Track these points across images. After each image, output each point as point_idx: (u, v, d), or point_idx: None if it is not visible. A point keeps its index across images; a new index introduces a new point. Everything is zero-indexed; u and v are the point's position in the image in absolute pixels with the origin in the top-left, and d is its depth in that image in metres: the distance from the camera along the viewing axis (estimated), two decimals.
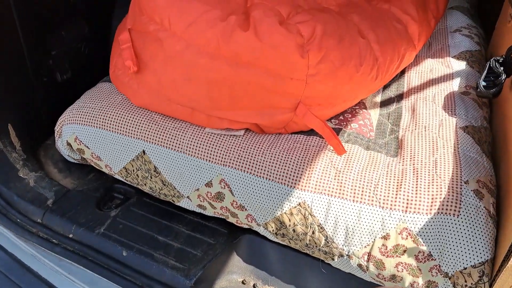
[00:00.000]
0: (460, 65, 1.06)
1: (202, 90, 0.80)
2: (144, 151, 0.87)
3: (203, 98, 0.81)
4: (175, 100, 0.86)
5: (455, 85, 0.99)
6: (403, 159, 0.80)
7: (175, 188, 0.87)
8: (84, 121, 0.92)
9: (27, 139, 1.06)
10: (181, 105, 0.86)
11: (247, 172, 0.80)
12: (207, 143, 0.84)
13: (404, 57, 0.99)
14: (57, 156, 1.08)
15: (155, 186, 0.89)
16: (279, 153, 0.81)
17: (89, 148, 0.93)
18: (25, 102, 1.05)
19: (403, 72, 1.09)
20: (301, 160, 0.80)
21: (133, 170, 0.90)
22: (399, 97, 1.01)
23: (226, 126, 0.84)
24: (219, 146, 0.83)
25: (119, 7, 1.30)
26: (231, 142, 0.84)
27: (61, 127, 0.96)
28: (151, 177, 0.88)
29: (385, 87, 1.05)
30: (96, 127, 0.90)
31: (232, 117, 0.82)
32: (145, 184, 0.91)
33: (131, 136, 0.88)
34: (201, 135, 0.85)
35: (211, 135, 0.85)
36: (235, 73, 0.76)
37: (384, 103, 1.01)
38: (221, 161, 0.82)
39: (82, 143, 0.93)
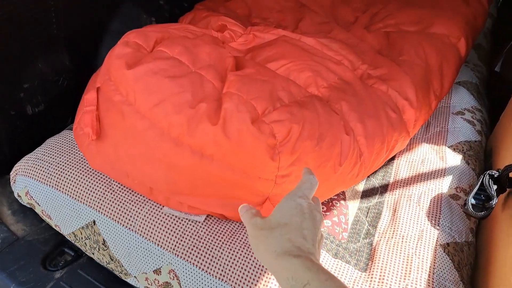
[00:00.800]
0: (455, 159, 0.98)
1: (161, 172, 0.72)
2: (94, 221, 0.80)
3: (161, 180, 0.73)
4: (133, 176, 0.78)
5: (445, 184, 0.92)
6: (372, 277, 0.73)
7: (122, 266, 0.80)
8: (38, 177, 0.85)
9: None
10: (139, 181, 0.78)
11: (200, 268, 0.72)
12: (162, 225, 0.76)
13: (394, 147, 0.92)
14: (14, 195, 1.02)
15: (103, 259, 0.82)
16: (239, 249, 0.74)
17: (40, 205, 0.86)
18: None
19: (392, 157, 1.02)
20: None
21: (82, 238, 0.83)
22: (383, 189, 0.94)
23: (186, 211, 0.77)
24: (174, 231, 0.76)
25: (110, 35, 1.23)
26: (188, 227, 0.76)
27: (15, 175, 0.89)
28: (99, 249, 0.81)
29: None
30: (49, 185, 0.83)
31: (193, 203, 0.75)
32: (93, 254, 0.84)
33: (83, 203, 0.81)
34: (157, 215, 0.78)
35: (167, 217, 0.77)
36: (198, 163, 0.69)
37: (366, 194, 0.93)
38: (173, 249, 0.74)
39: (33, 199, 0.86)
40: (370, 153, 0.83)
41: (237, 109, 0.67)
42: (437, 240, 0.79)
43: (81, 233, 0.82)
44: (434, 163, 0.97)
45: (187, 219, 0.77)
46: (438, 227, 0.81)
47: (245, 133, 0.65)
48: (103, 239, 0.79)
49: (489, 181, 0.77)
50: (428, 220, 0.83)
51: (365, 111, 0.85)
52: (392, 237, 0.80)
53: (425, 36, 1.18)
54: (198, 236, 0.75)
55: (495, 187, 0.77)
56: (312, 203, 0.51)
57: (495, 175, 0.79)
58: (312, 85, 0.85)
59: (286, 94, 0.76)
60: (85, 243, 0.83)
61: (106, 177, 0.83)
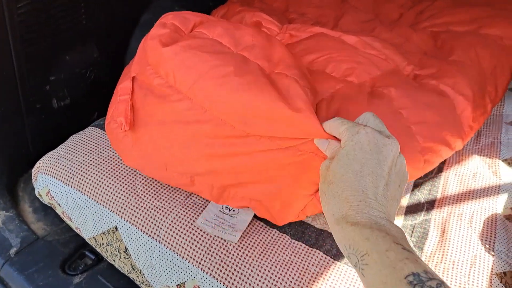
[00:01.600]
0: (510, 175, 0.89)
1: (204, 160, 0.67)
2: (116, 227, 0.75)
3: (203, 167, 0.68)
4: (172, 167, 0.72)
5: (500, 203, 0.82)
6: None
7: (144, 277, 0.74)
8: (60, 176, 0.80)
9: (5, 170, 0.96)
10: (179, 173, 0.72)
11: (226, 285, 0.66)
12: (189, 236, 0.70)
13: (450, 145, 0.83)
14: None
15: (124, 267, 0.77)
16: (270, 268, 0.67)
17: (60, 206, 0.81)
18: (10, 128, 0.94)
19: (440, 169, 0.93)
20: (294, 282, 0.66)
21: (103, 244, 0.78)
22: (430, 205, 0.85)
23: (231, 203, 0.71)
24: (201, 243, 0.69)
25: (140, 28, 1.18)
26: (216, 240, 0.70)
27: (37, 172, 0.85)
28: (120, 257, 0.76)
29: (415, 185, 0.89)
30: (71, 186, 0.79)
31: (240, 192, 0.70)
32: (113, 261, 0.79)
33: (106, 207, 0.75)
34: (184, 224, 0.72)
35: (196, 228, 0.71)
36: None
37: (411, 209, 0.85)
38: (199, 263, 0.68)
39: (54, 199, 0.81)
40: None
41: (300, 86, 0.62)
42: (492, 268, 0.70)
43: (102, 239, 0.77)
44: (486, 178, 0.88)
45: (220, 237, 0.70)
46: (493, 253, 0.73)
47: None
48: (125, 247, 0.74)
49: None
50: (482, 244, 0.74)
51: (417, 100, 0.78)
52: (441, 262, 0.72)
53: (477, 38, 1.08)
54: (227, 251, 0.69)
55: None
56: (377, 133, 0.45)
57: None
58: (352, 75, 0.78)
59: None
60: (106, 249, 0.78)
61: (132, 180, 0.78)
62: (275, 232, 0.73)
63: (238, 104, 0.61)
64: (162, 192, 0.77)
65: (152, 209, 0.74)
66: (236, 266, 0.67)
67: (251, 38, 0.73)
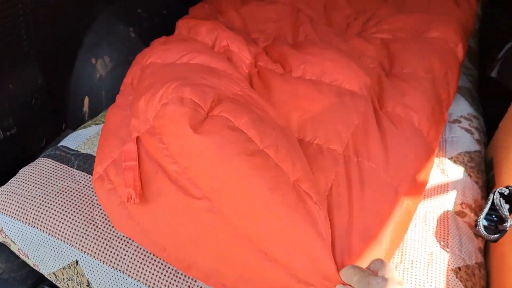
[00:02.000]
0: (457, 173, 0.94)
1: (211, 261, 0.65)
2: (77, 261, 0.72)
3: (209, 268, 0.65)
4: (171, 252, 0.68)
5: (450, 201, 0.87)
6: None
7: None
8: (13, 213, 0.77)
9: None
10: (177, 258, 0.68)
11: None
12: (153, 264, 0.69)
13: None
14: None
15: None
16: None
17: (15, 244, 0.78)
18: None
19: None
20: None
21: (63, 279, 0.75)
22: None
23: None
24: (167, 271, 0.69)
25: (85, 49, 1.15)
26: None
27: None
28: None
29: None
30: (26, 222, 0.76)
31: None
32: None
33: (64, 241, 0.73)
34: (146, 253, 0.71)
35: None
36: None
37: None
38: None
39: (8, 237, 0.78)
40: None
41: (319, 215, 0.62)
42: (448, 265, 0.74)
43: (63, 274, 0.75)
44: (436, 177, 0.93)
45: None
46: (447, 249, 0.77)
47: None
48: (88, 281, 0.72)
49: (500, 200, 0.73)
50: (437, 241, 0.78)
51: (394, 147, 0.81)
52: (401, 262, 0.75)
53: (425, 44, 1.13)
54: (193, 279, 0.68)
55: (507, 206, 0.73)
56: (389, 282, 0.48)
57: (506, 193, 0.75)
58: (336, 143, 0.79)
59: None
60: (67, 284, 0.75)
61: (89, 211, 0.75)
62: None
63: (266, 225, 0.60)
64: None
65: (113, 239, 0.72)
66: None
67: (274, 132, 0.70)
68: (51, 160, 0.85)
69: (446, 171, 0.94)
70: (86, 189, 0.78)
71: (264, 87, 0.91)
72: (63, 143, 0.90)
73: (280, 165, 0.66)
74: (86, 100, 1.16)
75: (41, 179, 0.81)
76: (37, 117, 1.03)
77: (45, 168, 0.83)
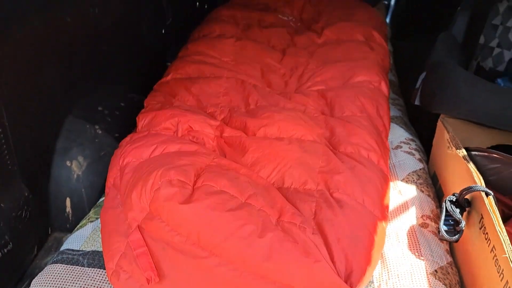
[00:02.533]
0: (411, 191, 1.11)
1: None
2: None
3: None
4: None
5: (412, 216, 1.03)
6: None
7: None
8: None
9: None
10: None
11: None
12: None
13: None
14: None
15: None
16: None
17: None
18: None
19: None
20: None
21: None
22: None
23: None
24: None
25: (58, 154, 1.23)
26: None
27: None
28: None
29: None
30: None
31: None
32: None
33: None
34: None
35: None
36: None
37: None
38: None
39: None
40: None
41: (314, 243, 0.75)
42: (426, 270, 0.88)
43: None
44: (394, 198, 1.09)
45: None
46: (422, 258, 0.91)
47: None
48: None
49: (451, 206, 0.89)
50: (412, 253, 0.93)
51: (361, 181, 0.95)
52: (389, 279, 0.88)
53: (354, 88, 1.33)
54: None
55: (458, 210, 0.89)
56: None
57: (454, 200, 0.91)
58: (308, 182, 0.93)
59: None
60: None
61: None
62: None
63: (269, 267, 0.72)
64: None
65: None
66: None
67: (250, 185, 0.85)
68: (60, 264, 0.90)
69: (402, 192, 1.11)
70: (103, 283, 0.84)
71: (235, 153, 1.04)
72: (65, 246, 0.96)
73: (263, 209, 0.80)
74: (68, 201, 1.22)
75: (57, 285, 0.86)
76: (28, 228, 1.07)
77: (58, 274, 0.88)
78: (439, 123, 1.18)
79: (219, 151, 1.05)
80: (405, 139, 1.32)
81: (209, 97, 1.32)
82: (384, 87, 1.41)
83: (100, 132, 1.33)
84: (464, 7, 1.70)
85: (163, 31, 1.75)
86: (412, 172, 1.17)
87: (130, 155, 0.98)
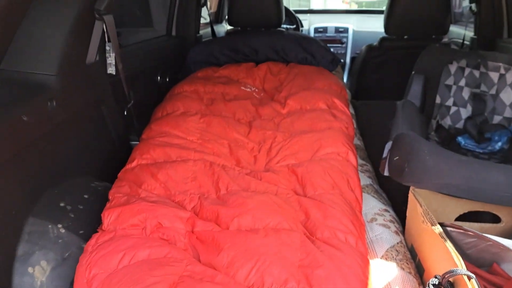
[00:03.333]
0: (392, 269, 1.08)
1: None
2: None
3: None
4: None
5: None
6: None
7: None
8: None
9: None
10: None
11: None
12: None
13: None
14: None
15: None
16: None
17: None
18: None
19: None
20: None
21: None
22: None
23: None
24: None
25: (20, 262, 1.13)
26: None
27: None
28: None
29: None
30: None
31: None
32: None
33: None
34: None
35: None
36: None
37: None
38: None
39: None
40: None
41: None
42: None
43: None
44: (378, 280, 1.06)
45: None
46: None
47: None
48: None
49: None
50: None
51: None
52: None
53: (323, 162, 1.33)
54: None
55: None
56: None
57: (437, 283, 0.89)
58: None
59: None
60: None
61: None
62: None
63: None
64: None
65: None
66: None
67: None
68: None
69: (383, 271, 1.08)
70: None
71: (209, 252, 0.99)
72: None
73: None
74: None
75: None
76: None
77: None
78: (410, 195, 1.18)
79: (192, 250, 0.99)
80: (379, 210, 1.31)
81: (177, 184, 1.28)
82: (352, 158, 1.42)
83: (63, 231, 1.25)
84: (417, 72, 1.78)
85: (125, 113, 1.72)
86: (390, 247, 1.15)
87: (97, 266, 0.92)
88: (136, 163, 1.40)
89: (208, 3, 3.62)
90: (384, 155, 1.33)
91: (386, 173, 1.27)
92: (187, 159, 1.38)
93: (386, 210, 1.31)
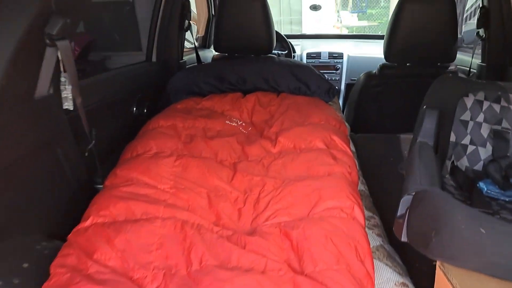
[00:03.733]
0: None
1: None
2: None
3: None
4: None
5: None
6: None
7: None
8: None
9: None
10: None
11: None
12: None
13: None
14: None
15: None
16: None
17: None
18: None
19: None
20: None
21: None
22: None
23: None
24: None
25: None
26: None
27: None
28: None
29: None
30: None
31: None
32: None
33: None
34: None
35: None
36: None
37: None
38: None
39: None
40: None
41: None
42: None
43: None
44: None
45: None
46: None
47: None
48: None
49: None
50: None
51: None
52: None
53: (324, 224, 1.06)
54: None
55: None
56: None
57: None
58: None
59: None
60: None
61: None
62: None
63: None
64: None
65: None
66: None
67: None
68: None
69: None
70: None
71: None
72: None
73: None
74: None
75: None
76: None
77: None
78: (438, 271, 0.92)
79: None
80: (395, 284, 1.03)
81: (138, 253, 1.00)
82: (359, 214, 1.15)
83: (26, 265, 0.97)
84: (429, 106, 1.54)
85: (86, 154, 1.45)
86: None
87: None
88: (91, 221, 1.12)
89: (196, 27, 3.42)
90: (399, 213, 1.06)
91: (404, 239, 1.00)
92: (154, 217, 1.11)
93: (404, 285, 1.04)
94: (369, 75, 2.31)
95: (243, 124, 1.75)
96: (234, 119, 1.75)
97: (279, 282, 0.88)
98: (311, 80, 1.96)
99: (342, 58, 3.50)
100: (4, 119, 1.08)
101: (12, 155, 1.14)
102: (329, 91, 1.97)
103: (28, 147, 1.22)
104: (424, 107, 1.52)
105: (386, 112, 2.33)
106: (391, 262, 1.12)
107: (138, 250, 1.00)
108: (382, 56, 2.26)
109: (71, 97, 1.30)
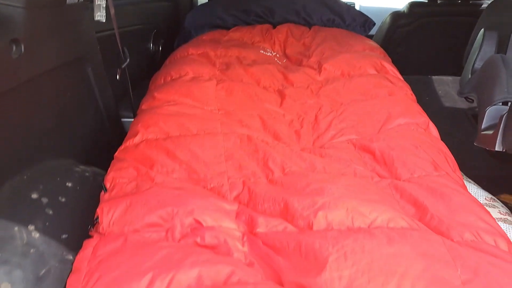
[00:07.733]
0: None
1: None
2: None
3: None
4: None
5: None
6: None
7: None
8: None
9: None
10: None
11: None
12: None
13: None
14: None
15: None
16: None
17: None
18: None
19: None
20: None
21: None
22: None
23: None
24: None
25: None
26: None
27: None
28: None
29: None
30: None
31: None
32: None
33: None
34: None
35: None
36: None
37: None
38: None
39: None
40: None
41: None
42: None
43: None
44: None
45: None
46: None
47: None
48: None
49: None
50: None
51: None
52: None
53: (405, 135, 0.96)
54: None
55: None
56: None
57: None
58: None
59: None
60: None
61: None
62: None
63: None
64: None
65: None
66: None
67: None
68: None
69: None
70: None
71: (296, 267, 0.59)
72: None
73: None
74: None
75: None
76: None
77: None
78: None
79: (260, 266, 0.60)
80: (485, 199, 0.95)
81: (206, 164, 0.87)
82: (434, 131, 1.05)
83: (37, 235, 0.83)
84: (486, 28, 1.43)
85: (117, 77, 1.30)
86: None
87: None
88: (141, 138, 0.98)
89: None
90: (485, 125, 0.96)
91: (498, 148, 0.91)
92: (214, 133, 0.98)
93: (494, 200, 0.95)
94: (397, 14, 2.18)
95: (277, 55, 1.61)
96: (268, 50, 1.62)
97: (378, 186, 0.78)
98: (346, 12, 1.83)
99: None
100: (37, 18, 0.93)
101: (42, 65, 0.98)
102: (365, 24, 1.84)
103: (59, 60, 1.06)
104: (482, 29, 1.41)
105: (413, 54, 2.22)
106: (472, 181, 1.03)
107: (206, 161, 0.88)
108: (395, 6, 2.13)
109: (104, 5, 1.14)
